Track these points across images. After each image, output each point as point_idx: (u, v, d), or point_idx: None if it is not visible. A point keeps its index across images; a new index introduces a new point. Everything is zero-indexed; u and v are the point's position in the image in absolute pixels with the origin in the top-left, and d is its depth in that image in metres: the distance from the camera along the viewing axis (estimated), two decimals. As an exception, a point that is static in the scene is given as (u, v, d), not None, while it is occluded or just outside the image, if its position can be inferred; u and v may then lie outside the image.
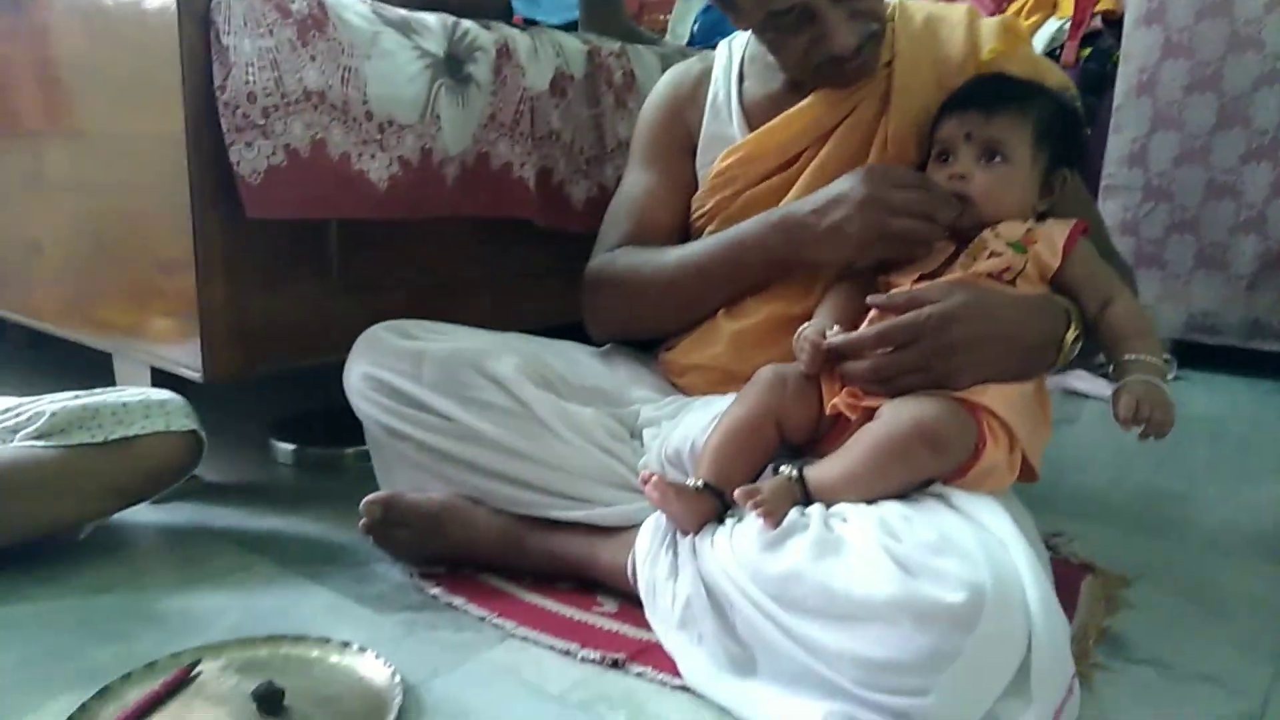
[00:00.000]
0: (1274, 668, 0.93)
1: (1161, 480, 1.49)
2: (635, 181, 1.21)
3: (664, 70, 1.65)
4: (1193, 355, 2.17)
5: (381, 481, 1.12)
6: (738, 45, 1.21)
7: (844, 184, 0.98)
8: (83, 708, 0.80)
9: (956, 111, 0.98)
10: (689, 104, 1.20)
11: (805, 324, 0.97)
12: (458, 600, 1.01)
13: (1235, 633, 0.99)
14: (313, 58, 1.11)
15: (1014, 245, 0.95)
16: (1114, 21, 2.38)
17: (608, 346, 1.24)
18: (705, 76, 1.20)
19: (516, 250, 1.52)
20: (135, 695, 0.82)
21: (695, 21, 2.98)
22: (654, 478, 0.89)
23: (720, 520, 0.90)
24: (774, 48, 1.04)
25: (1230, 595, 1.09)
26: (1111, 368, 0.94)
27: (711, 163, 1.16)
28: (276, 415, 1.61)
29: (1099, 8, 2.39)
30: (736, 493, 0.86)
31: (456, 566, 1.06)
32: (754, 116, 1.14)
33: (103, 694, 0.82)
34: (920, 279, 0.97)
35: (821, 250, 1.01)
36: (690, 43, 2.88)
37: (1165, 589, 1.08)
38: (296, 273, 1.23)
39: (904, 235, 0.95)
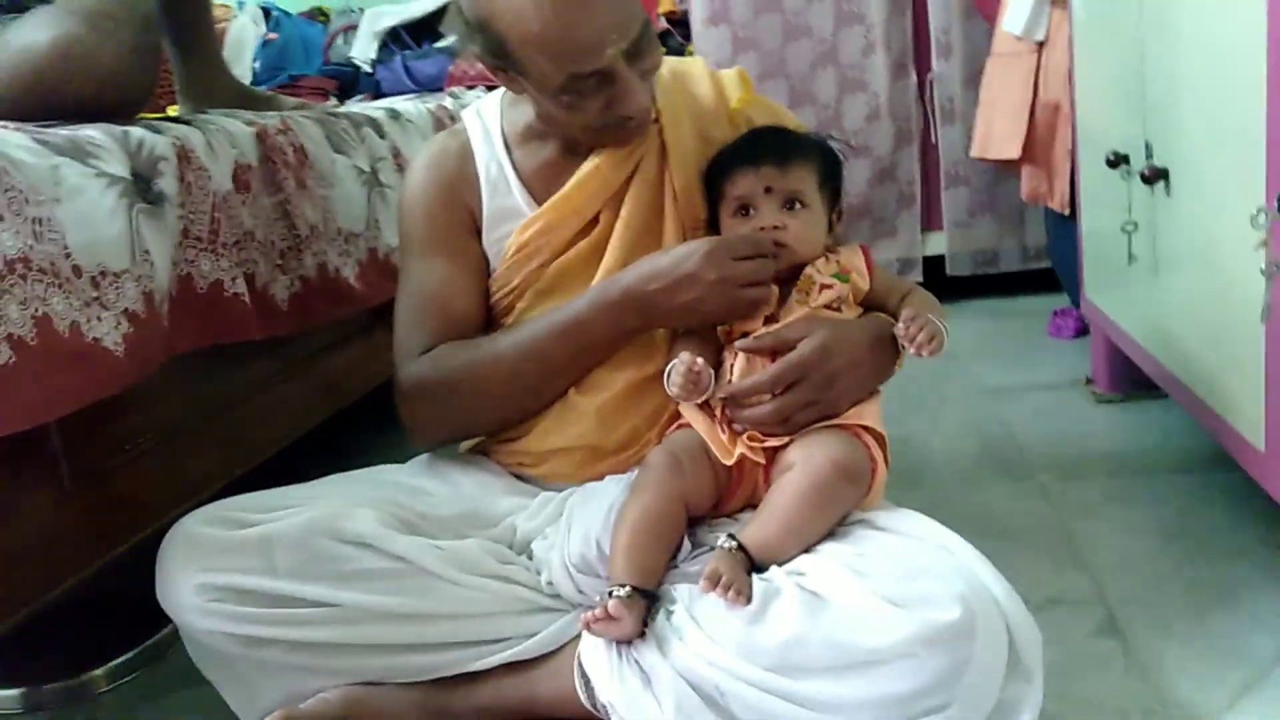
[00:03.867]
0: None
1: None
2: (425, 273, 1.10)
3: (328, 139, 1.53)
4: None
5: (236, 705, 0.93)
6: (490, 115, 1.14)
7: (690, 263, 0.97)
8: None
9: (748, 167, 1.02)
10: (460, 182, 1.12)
11: (673, 364, 0.97)
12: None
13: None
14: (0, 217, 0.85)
15: (838, 276, 1.03)
16: (676, 20, 2.61)
17: (424, 458, 1.13)
18: (466, 151, 1.13)
19: (238, 367, 1.31)
20: None
21: (255, 59, 2.74)
22: (605, 610, 0.84)
23: (652, 613, 0.88)
24: (568, 110, 1.00)
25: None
26: None
27: (504, 239, 1.10)
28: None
29: (661, 10, 2.60)
30: (701, 586, 0.85)
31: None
32: (535, 186, 1.10)
33: None
34: (766, 321, 1.02)
35: (672, 321, 1.02)
36: (254, 80, 2.65)
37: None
38: (14, 496, 0.95)
39: (752, 303, 0.99)
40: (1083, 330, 2.11)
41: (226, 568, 0.88)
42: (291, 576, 0.89)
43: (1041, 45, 1.92)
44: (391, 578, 0.91)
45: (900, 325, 0.98)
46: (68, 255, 0.93)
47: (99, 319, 0.95)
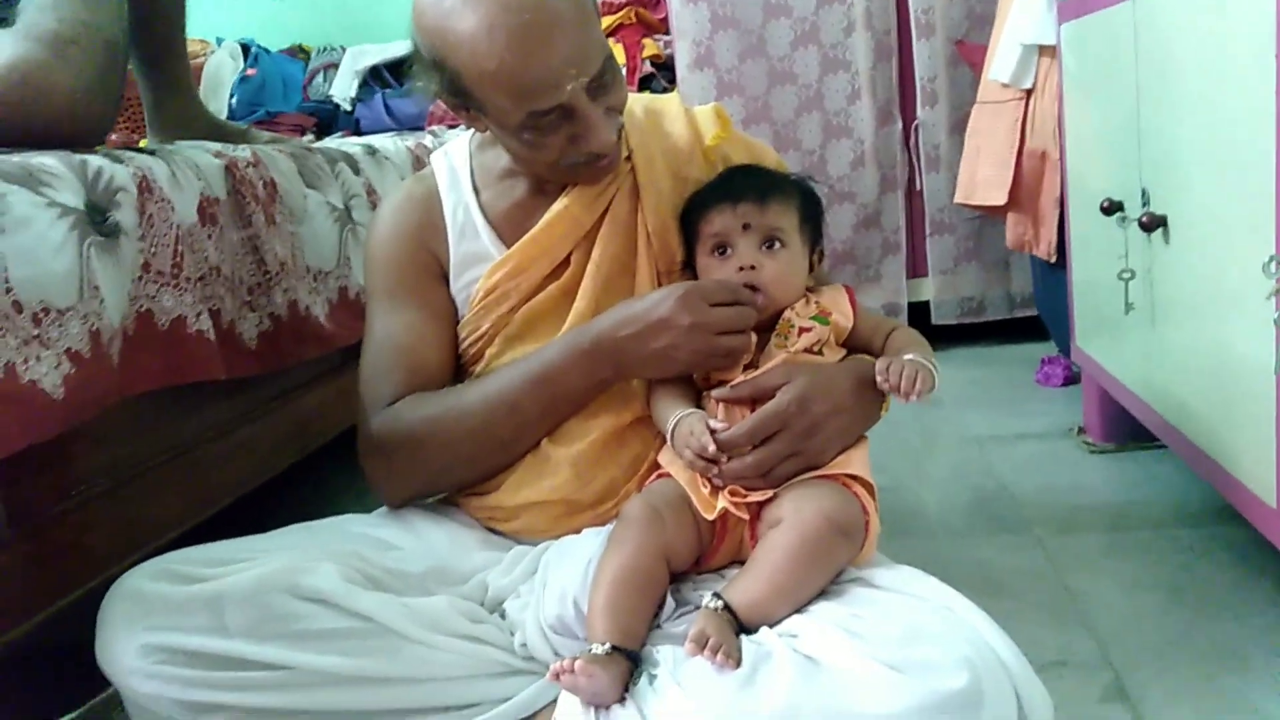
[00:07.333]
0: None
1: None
2: (392, 323, 1.05)
3: (300, 173, 1.49)
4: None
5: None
6: (458, 157, 1.11)
7: (663, 308, 0.93)
8: None
9: (725, 204, 0.98)
10: (427, 228, 1.08)
11: (680, 422, 0.92)
12: None
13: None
14: (-66, 246, 0.79)
15: (817, 319, 0.98)
16: (662, 65, 2.59)
17: (383, 511, 1.07)
18: (432, 197, 1.09)
19: (199, 407, 1.24)
20: None
21: (232, 95, 2.71)
22: (573, 664, 0.78)
23: (634, 677, 0.82)
24: (530, 148, 0.97)
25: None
26: None
27: (472, 283, 1.06)
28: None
29: (645, 54, 2.59)
30: (687, 648, 0.79)
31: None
32: (504, 228, 1.06)
33: None
34: (746, 368, 0.97)
35: (646, 371, 0.98)
36: (230, 116, 2.62)
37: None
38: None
39: (729, 352, 0.94)
40: (1071, 378, 2.08)
41: (173, 627, 0.81)
42: (243, 636, 0.82)
43: (1029, 93, 1.91)
44: (353, 637, 0.84)
45: (878, 373, 0.93)
46: (8, 290, 0.87)
47: (38, 359, 0.88)
